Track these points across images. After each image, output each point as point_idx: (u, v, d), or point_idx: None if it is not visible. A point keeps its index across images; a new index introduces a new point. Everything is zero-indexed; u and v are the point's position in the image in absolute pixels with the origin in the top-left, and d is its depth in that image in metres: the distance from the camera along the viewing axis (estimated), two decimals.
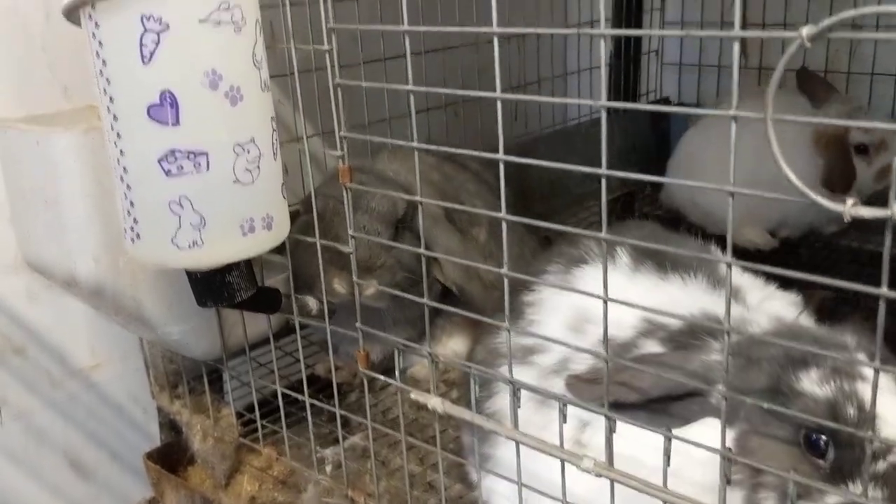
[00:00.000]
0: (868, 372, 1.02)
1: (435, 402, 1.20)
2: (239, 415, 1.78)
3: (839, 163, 2.37)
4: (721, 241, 1.43)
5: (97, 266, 1.43)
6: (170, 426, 1.93)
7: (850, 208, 0.75)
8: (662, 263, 1.32)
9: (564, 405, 1.08)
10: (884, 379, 1.02)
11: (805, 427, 1.00)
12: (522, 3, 2.74)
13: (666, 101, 3.14)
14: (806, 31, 0.73)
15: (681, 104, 3.10)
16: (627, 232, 1.42)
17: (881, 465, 0.96)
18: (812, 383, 1.03)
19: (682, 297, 1.26)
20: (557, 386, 1.21)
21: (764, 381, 1.06)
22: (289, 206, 1.34)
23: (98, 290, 1.45)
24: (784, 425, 1.02)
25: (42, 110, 1.62)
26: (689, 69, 3.09)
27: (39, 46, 1.81)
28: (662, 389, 1.08)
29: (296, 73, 1.37)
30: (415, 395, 1.24)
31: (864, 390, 1.01)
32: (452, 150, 1.25)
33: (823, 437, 0.99)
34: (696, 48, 3.05)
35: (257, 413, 1.69)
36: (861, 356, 1.08)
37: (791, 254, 2.53)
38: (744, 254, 2.42)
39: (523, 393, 1.14)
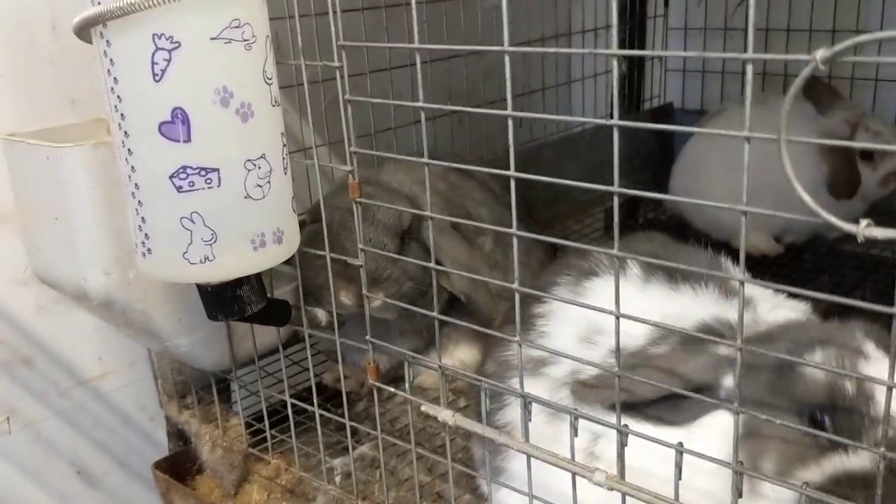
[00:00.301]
0: (872, 352, 1.05)
1: (445, 415, 1.21)
2: (247, 424, 1.78)
3: (844, 168, 2.37)
4: (726, 248, 1.45)
5: (107, 280, 1.44)
6: (178, 435, 1.94)
7: (864, 229, 0.76)
8: (673, 274, 1.33)
9: (576, 418, 1.09)
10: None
11: (808, 405, 1.02)
12: (526, 7, 2.75)
13: (669, 107, 3.14)
14: (820, 54, 0.74)
15: (684, 110, 3.11)
16: (637, 244, 1.42)
17: (880, 433, 0.97)
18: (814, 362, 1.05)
19: (694, 307, 1.26)
20: (569, 397, 1.22)
21: (771, 362, 1.08)
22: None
23: (108, 304, 1.46)
24: (790, 404, 1.04)
25: (50, 123, 1.63)
26: (693, 75, 3.09)
27: (46, 59, 1.82)
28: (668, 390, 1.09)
29: (305, 86, 1.38)
30: (425, 407, 1.24)
31: (865, 368, 1.03)
32: (464, 166, 1.26)
33: (823, 413, 1.01)
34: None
35: (266, 423, 1.70)
36: (868, 343, 1.08)
37: (796, 259, 2.54)
38: (749, 260, 2.43)
39: (535, 405, 1.15)
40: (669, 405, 1.11)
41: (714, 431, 1.08)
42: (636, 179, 2.93)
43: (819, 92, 2.51)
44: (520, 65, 2.62)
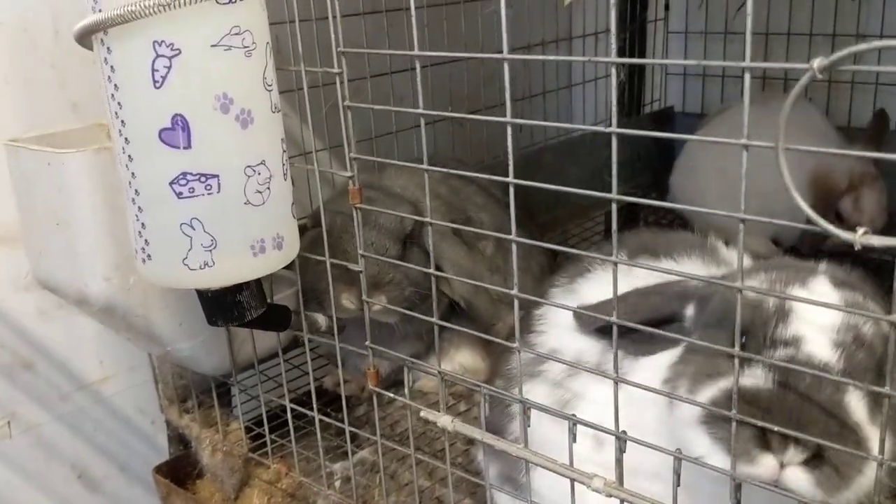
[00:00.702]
0: (816, 283, 1.04)
1: (444, 421, 1.21)
2: (248, 429, 1.79)
3: (818, 213, 2.35)
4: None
5: (108, 285, 1.44)
6: (178, 439, 1.94)
7: (861, 237, 0.76)
8: (656, 253, 1.36)
9: (574, 425, 1.09)
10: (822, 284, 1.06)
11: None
12: (527, 11, 2.76)
13: (670, 110, 3.15)
14: (817, 63, 0.74)
15: (685, 113, 3.11)
16: (628, 240, 1.42)
17: (779, 353, 0.97)
18: (751, 284, 1.06)
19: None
20: (568, 392, 1.23)
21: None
22: (297, 219, 1.35)
23: (109, 309, 1.46)
24: (725, 333, 1.02)
25: (52, 127, 1.63)
26: (694, 78, 3.10)
27: (48, 63, 1.83)
28: (641, 315, 1.11)
29: (305, 92, 1.38)
30: (424, 413, 1.25)
31: (797, 290, 1.04)
32: (464, 173, 1.26)
33: (744, 334, 1.00)
34: (701, 57, 3.06)
35: (266, 427, 1.70)
36: (819, 278, 1.08)
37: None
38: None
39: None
40: (643, 341, 1.13)
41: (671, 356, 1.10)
42: (637, 182, 2.93)
43: (881, 132, 2.49)
44: (520, 69, 2.62)
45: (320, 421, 1.56)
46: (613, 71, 0.92)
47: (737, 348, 0.89)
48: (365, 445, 1.74)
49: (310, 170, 1.43)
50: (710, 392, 0.98)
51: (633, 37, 3.09)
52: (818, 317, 0.98)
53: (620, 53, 3.06)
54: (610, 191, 0.95)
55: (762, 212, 0.85)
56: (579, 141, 2.79)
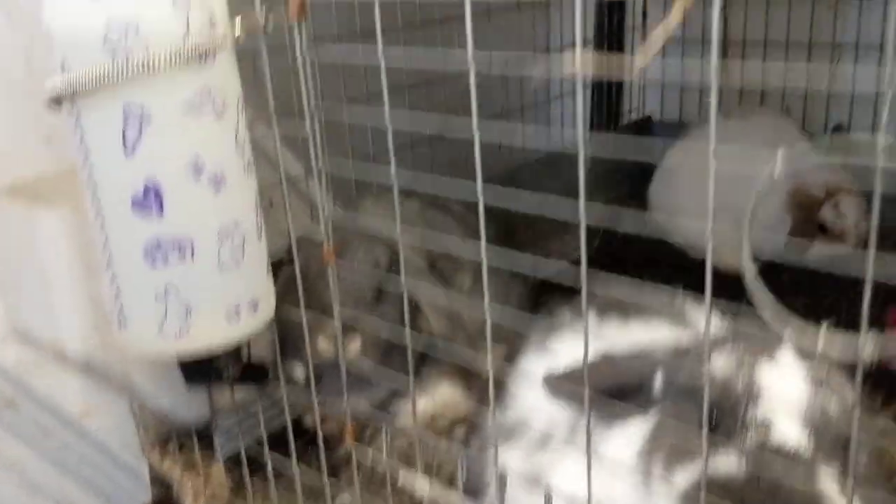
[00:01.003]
0: (780, 355, 1.05)
1: (422, 486, 1.22)
2: (229, 468, 1.78)
3: (800, 228, 2.38)
4: (701, 267, 1.45)
5: (85, 343, 1.44)
6: (161, 481, 1.93)
7: (825, 334, 0.77)
8: (625, 312, 1.37)
9: (549, 496, 1.09)
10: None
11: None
12: (506, 22, 2.74)
13: (648, 120, 3.15)
14: (777, 170, 0.75)
15: (663, 122, 3.12)
16: (594, 297, 1.43)
17: (750, 436, 0.98)
18: (719, 360, 1.07)
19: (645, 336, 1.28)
20: (543, 460, 1.23)
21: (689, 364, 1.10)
22: (273, 250, 1.35)
23: (87, 365, 1.46)
24: (694, 406, 1.02)
25: (24, 161, 1.60)
26: (671, 87, 3.10)
27: (21, 93, 1.79)
28: (610, 383, 1.11)
29: (277, 145, 1.37)
30: (402, 478, 1.25)
31: (764, 367, 1.04)
32: (437, 200, 1.26)
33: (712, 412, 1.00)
34: (679, 63, 3.06)
35: (246, 470, 1.68)
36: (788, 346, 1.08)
37: (775, 280, 2.53)
38: (726, 278, 2.43)
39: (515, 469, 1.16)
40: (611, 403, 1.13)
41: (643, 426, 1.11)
42: (617, 193, 2.94)
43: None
44: (499, 84, 2.60)
45: (300, 461, 1.55)
46: (581, 151, 0.92)
47: (704, 431, 0.89)
48: (346, 489, 1.74)
49: (287, 190, 1.40)
50: (686, 475, 0.98)
51: (611, 45, 3.09)
52: (787, 394, 0.98)
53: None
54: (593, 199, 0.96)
55: (738, 224, 0.83)
56: (559, 157, 2.79)
